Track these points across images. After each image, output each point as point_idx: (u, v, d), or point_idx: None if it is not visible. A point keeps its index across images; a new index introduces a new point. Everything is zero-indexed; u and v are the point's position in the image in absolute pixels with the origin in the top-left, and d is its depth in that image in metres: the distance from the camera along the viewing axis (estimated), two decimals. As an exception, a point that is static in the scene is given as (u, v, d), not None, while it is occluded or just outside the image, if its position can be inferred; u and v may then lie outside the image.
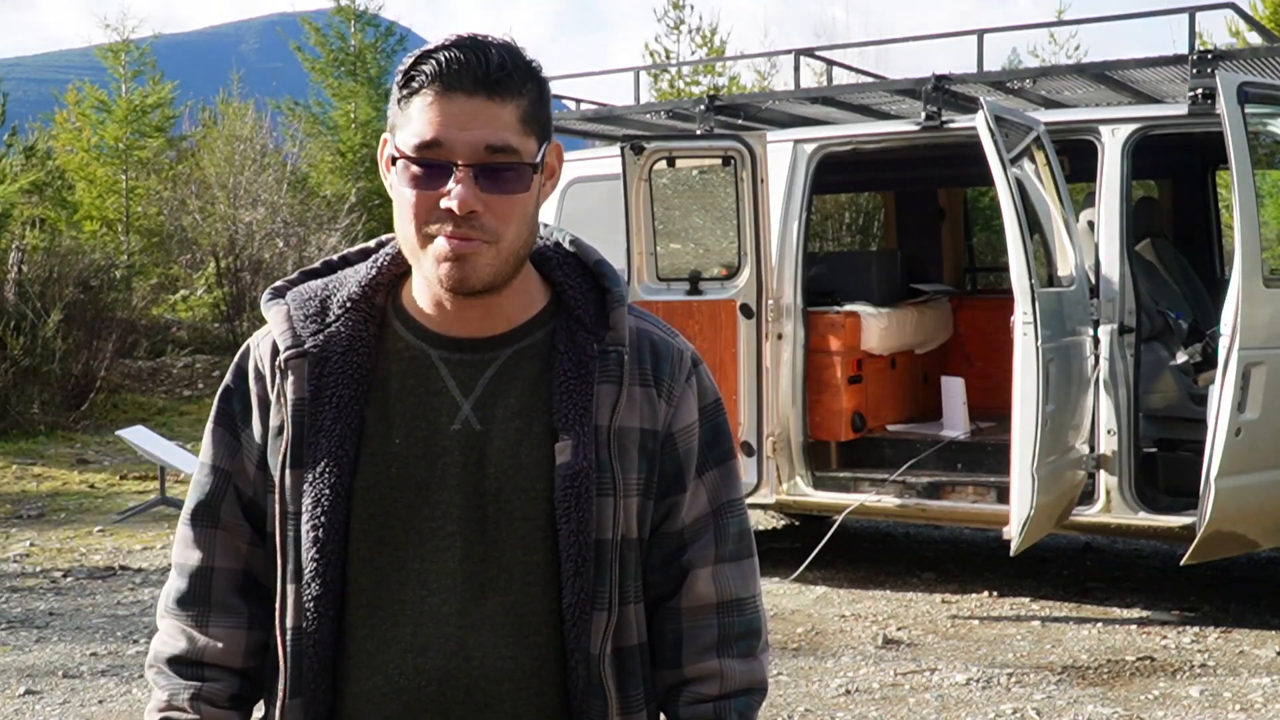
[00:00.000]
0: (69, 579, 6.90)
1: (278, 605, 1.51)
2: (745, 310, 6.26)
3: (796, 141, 6.80)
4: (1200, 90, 5.78)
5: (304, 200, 17.99)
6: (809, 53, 8.66)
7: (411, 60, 1.45)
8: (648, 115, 7.98)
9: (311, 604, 1.48)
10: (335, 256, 1.64)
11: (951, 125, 6.46)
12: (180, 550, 1.60)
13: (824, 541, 6.58)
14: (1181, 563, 5.54)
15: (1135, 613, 6.08)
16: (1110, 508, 5.97)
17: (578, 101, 8.13)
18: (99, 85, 18.88)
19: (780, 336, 6.57)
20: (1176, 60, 6.07)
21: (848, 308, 7.01)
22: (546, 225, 1.63)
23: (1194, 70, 5.83)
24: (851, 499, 6.59)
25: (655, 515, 1.57)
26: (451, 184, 1.41)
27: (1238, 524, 5.40)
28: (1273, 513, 5.45)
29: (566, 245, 1.61)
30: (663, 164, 6.35)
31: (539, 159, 1.46)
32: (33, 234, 14.52)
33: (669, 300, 6.27)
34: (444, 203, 1.41)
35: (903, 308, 7.42)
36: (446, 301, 1.50)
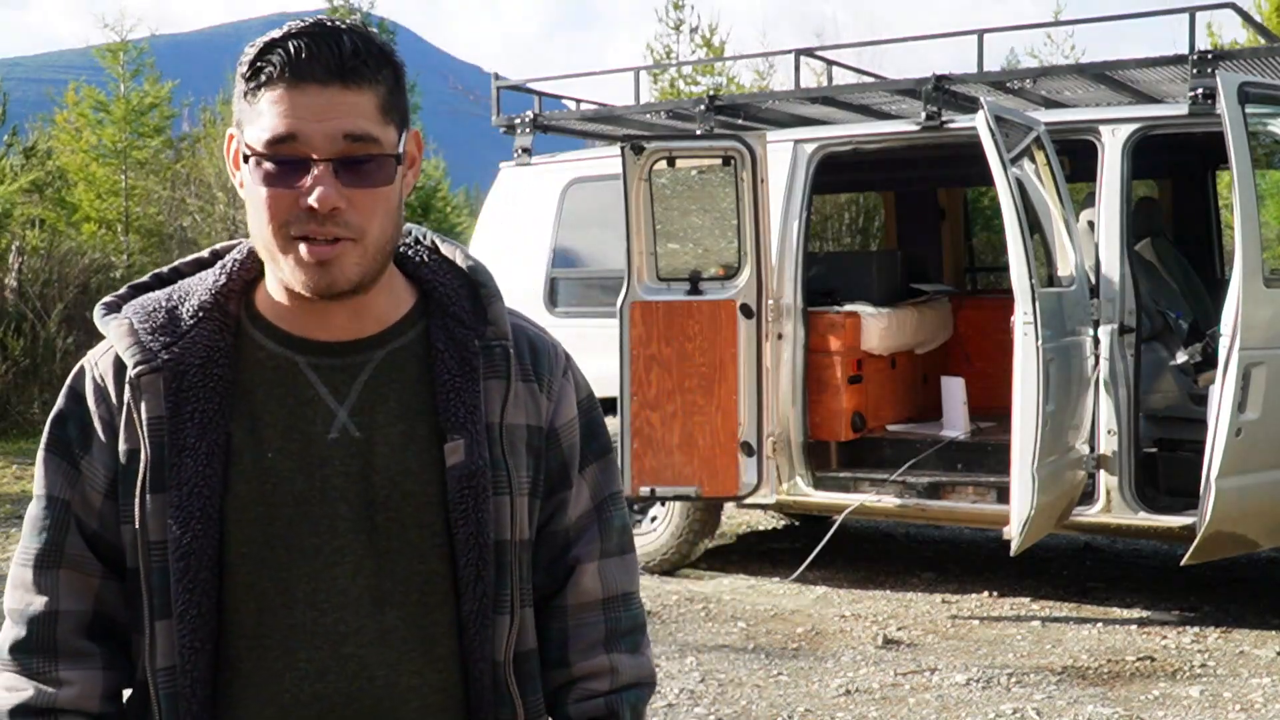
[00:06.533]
0: (69, 579, 6.89)
1: (146, 646, 1.39)
2: (745, 310, 6.26)
3: (796, 141, 6.80)
4: (1200, 90, 5.77)
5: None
6: (809, 52, 8.67)
7: (257, 50, 1.35)
8: (648, 115, 7.98)
9: (185, 640, 1.37)
10: (165, 269, 1.53)
11: (951, 125, 6.46)
12: (17, 595, 1.42)
13: (824, 541, 6.58)
14: (1182, 563, 5.54)
15: (1135, 613, 6.08)
16: (1110, 508, 5.96)
17: (578, 101, 8.12)
18: (98, 86, 18.85)
19: (780, 336, 6.56)
20: (1176, 60, 6.07)
21: (848, 308, 7.01)
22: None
23: (1194, 70, 5.83)
24: (851, 499, 6.58)
25: (541, 515, 1.51)
26: (310, 180, 1.32)
27: (1238, 524, 5.40)
28: (1273, 513, 5.45)
29: (427, 243, 1.54)
30: (663, 164, 6.34)
31: (400, 149, 1.38)
32: (32, 234, 14.51)
33: (669, 300, 6.26)
34: (304, 200, 1.32)
35: (903, 308, 7.42)
36: (311, 304, 1.41)
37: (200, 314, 1.43)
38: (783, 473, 6.59)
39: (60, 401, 1.46)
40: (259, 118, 1.34)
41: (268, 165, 1.33)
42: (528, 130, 7.50)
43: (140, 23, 35.23)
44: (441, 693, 1.44)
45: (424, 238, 1.55)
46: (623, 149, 6.29)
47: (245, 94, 1.36)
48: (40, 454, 1.46)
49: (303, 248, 1.34)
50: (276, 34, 1.35)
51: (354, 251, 1.35)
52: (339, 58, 1.33)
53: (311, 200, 1.32)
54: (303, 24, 1.35)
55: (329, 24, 1.35)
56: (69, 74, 27.95)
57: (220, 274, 1.47)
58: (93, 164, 18.29)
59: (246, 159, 1.36)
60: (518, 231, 7.34)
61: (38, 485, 1.46)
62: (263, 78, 1.33)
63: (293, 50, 1.33)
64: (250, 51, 1.36)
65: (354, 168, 1.34)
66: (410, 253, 1.52)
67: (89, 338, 12.98)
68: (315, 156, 1.32)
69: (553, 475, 1.52)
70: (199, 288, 1.46)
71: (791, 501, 6.80)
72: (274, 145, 1.33)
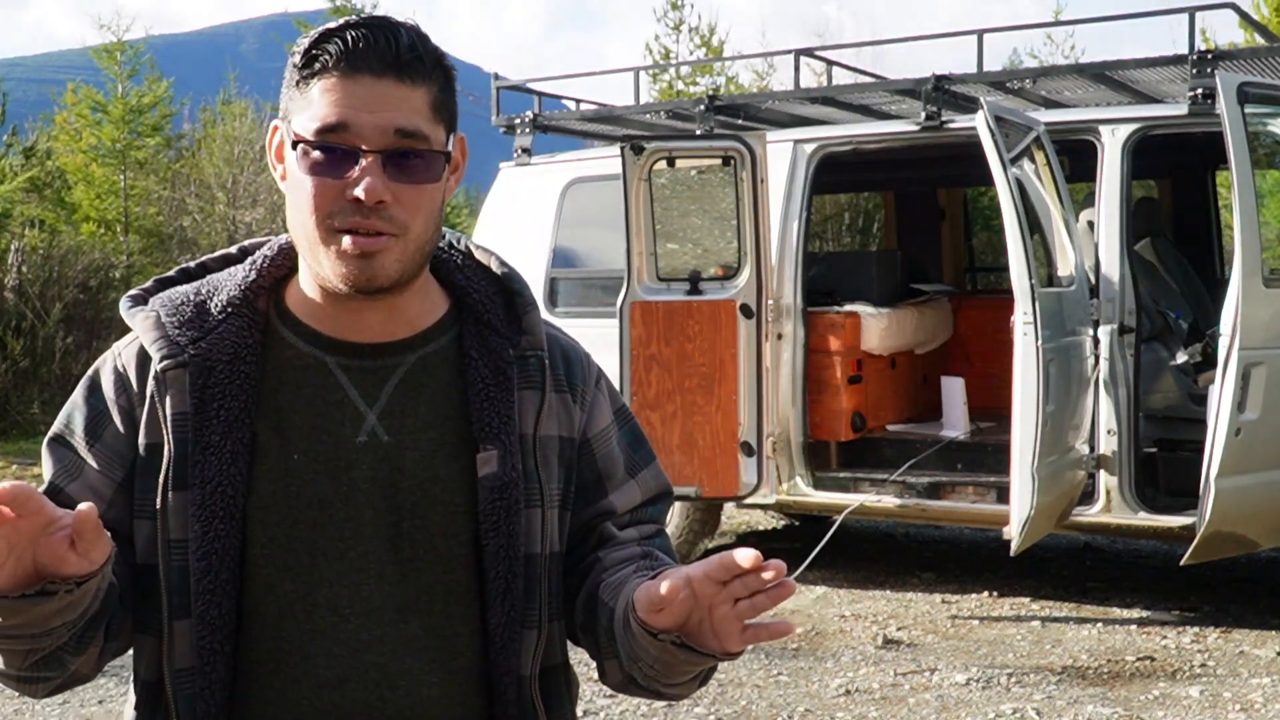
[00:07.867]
0: (69, 579, 6.89)
1: (164, 646, 1.36)
2: (745, 310, 6.26)
3: (796, 141, 6.80)
4: (1200, 90, 5.77)
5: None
6: (809, 53, 8.66)
7: (313, 39, 1.33)
8: (648, 115, 7.98)
9: (205, 640, 1.34)
10: (193, 263, 1.50)
11: (951, 125, 6.46)
12: None
13: (824, 541, 6.58)
14: (1181, 563, 5.54)
15: (1135, 613, 6.08)
16: (1110, 508, 5.96)
17: (577, 101, 8.12)
18: (97, 86, 18.83)
19: (780, 336, 6.56)
20: (1176, 60, 6.07)
21: (848, 308, 7.01)
22: None
23: (1194, 70, 5.83)
24: (851, 499, 6.58)
25: (578, 522, 1.49)
26: (357, 172, 1.30)
27: (1238, 524, 5.40)
28: (1273, 513, 5.45)
29: (462, 248, 1.52)
30: (663, 164, 6.34)
31: (448, 149, 1.37)
32: (32, 234, 14.51)
33: (669, 300, 6.26)
34: (351, 191, 1.30)
35: (903, 308, 7.42)
36: (345, 304, 1.39)
37: (229, 310, 1.40)
38: (783, 473, 6.60)
39: (79, 393, 1.43)
40: (309, 106, 1.32)
41: (315, 154, 1.31)
42: (528, 130, 7.50)
43: (136, 22, 35.18)
44: (462, 705, 1.41)
45: (458, 242, 1.52)
46: (623, 149, 6.29)
47: (297, 82, 1.34)
48: (46, 444, 1.42)
49: (346, 239, 1.31)
50: (333, 25, 1.33)
51: (396, 248, 1.33)
52: (395, 51, 1.31)
53: (358, 191, 1.30)
54: (361, 17, 1.34)
55: (386, 19, 1.34)
56: (68, 74, 27.95)
57: (250, 270, 1.44)
58: (92, 164, 18.28)
59: (295, 146, 1.33)
60: (518, 231, 7.34)
61: (44, 475, 1.41)
62: (317, 66, 1.32)
63: (350, 40, 1.31)
64: (305, 41, 1.34)
65: (402, 163, 1.32)
66: (444, 257, 1.50)
67: (89, 338, 13.00)
68: (364, 148, 1.30)
69: (587, 486, 1.49)
70: (228, 283, 1.43)
71: (791, 501, 6.80)
72: (324, 134, 1.31)
